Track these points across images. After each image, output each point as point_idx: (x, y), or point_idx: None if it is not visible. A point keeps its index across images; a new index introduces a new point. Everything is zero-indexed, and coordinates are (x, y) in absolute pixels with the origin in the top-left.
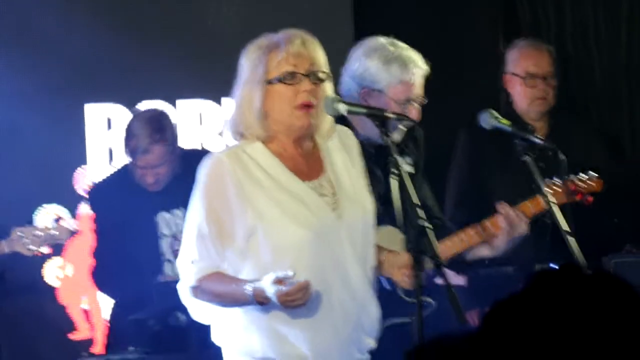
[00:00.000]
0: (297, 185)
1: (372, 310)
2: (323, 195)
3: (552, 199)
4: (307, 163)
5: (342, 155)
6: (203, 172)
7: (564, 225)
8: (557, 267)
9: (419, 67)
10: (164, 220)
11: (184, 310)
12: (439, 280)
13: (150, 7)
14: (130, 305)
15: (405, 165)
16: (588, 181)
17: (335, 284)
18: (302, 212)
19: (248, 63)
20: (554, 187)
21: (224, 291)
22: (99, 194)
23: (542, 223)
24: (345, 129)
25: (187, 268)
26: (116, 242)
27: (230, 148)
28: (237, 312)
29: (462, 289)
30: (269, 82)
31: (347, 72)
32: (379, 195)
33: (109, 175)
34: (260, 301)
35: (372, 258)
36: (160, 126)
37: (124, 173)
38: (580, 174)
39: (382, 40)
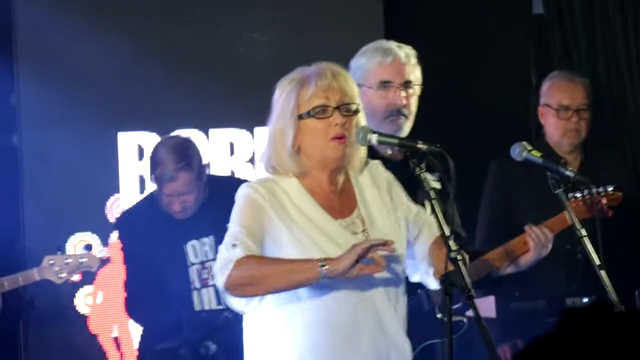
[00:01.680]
0: (329, 223)
1: (405, 349)
2: (354, 233)
3: (583, 232)
4: (339, 200)
5: (372, 190)
6: (240, 198)
7: (595, 258)
8: (588, 303)
9: (397, 52)
10: (192, 248)
11: (214, 339)
12: (469, 313)
13: (183, 35)
14: (160, 334)
15: (434, 183)
16: (608, 195)
17: (366, 323)
18: (335, 252)
19: (280, 98)
20: (574, 202)
21: (278, 266)
22: (127, 222)
23: (573, 256)
24: (376, 162)
25: (229, 251)
26: (145, 271)
27: (265, 179)
28: (268, 338)
29: (492, 321)
30: (300, 117)
31: None
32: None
33: (136, 203)
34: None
35: (403, 295)
36: (186, 153)
37: (150, 201)
38: (600, 188)
39: (391, 43)
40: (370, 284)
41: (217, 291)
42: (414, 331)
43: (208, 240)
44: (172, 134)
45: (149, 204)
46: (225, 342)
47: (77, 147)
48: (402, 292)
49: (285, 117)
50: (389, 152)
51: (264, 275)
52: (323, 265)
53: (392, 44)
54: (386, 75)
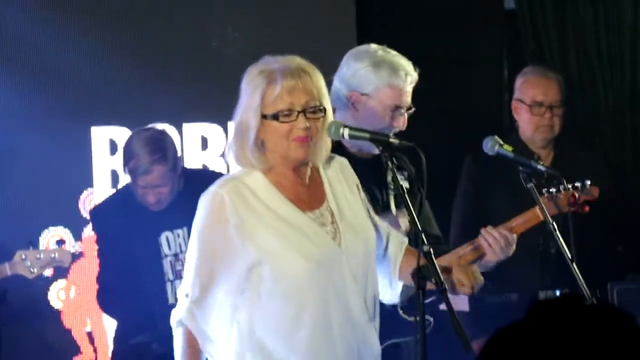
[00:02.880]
0: (297, 216)
1: (373, 343)
2: (323, 225)
3: (555, 226)
4: (307, 192)
5: (343, 186)
6: (202, 208)
7: (567, 252)
8: (559, 296)
9: (409, 73)
10: (166, 240)
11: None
12: (442, 306)
13: (155, 30)
14: (134, 328)
15: (403, 182)
16: (584, 190)
17: (336, 315)
18: (304, 244)
19: (247, 90)
20: (550, 197)
21: None
22: (101, 214)
23: (546, 250)
24: (345, 161)
25: (181, 300)
26: (119, 263)
27: (228, 180)
28: (233, 343)
29: (465, 314)
30: (265, 117)
31: (337, 77)
32: (376, 211)
33: (110, 195)
34: None
35: (373, 287)
36: (160, 145)
37: (124, 193)
38: (577, 183)
39: (373, 45)
40: (342, 277)
41: None
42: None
43: (182, 232)
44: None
45: (123, 195)
46: None
47: (49, 141)
48: (373, 284)
49: (250, 113)
50: (356, 150)
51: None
52: None
53: (399, 60)
54: (397, 101)
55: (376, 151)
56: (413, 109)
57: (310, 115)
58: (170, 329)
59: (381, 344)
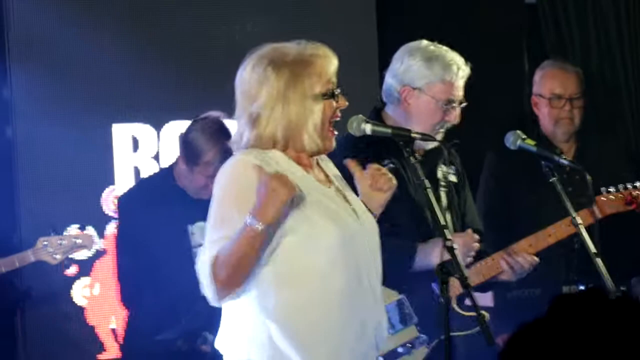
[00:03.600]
0: (323, 188)
1: (383, 318)
2: (342, 201)
3: (580, 220)
4: (318, 172)
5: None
6: (229, 174)
7: (592, 247)
8: (581, 291)
9: (461, 68)
10: (199, 229)
11: (212, 330)
12: (467, 302)
13: (178, 27)
14: (159, 323)
15: (452, 177)
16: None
17: (360, 286)
18: (337, 212)
19: (277, 77)
20: (610, 196)
21: (235, 243)
22: (128, 201)
23: (570, 245)
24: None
25: (205, 249)
26: (144, 254)
27: (251, 151)
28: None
29: (490, 310)
30: (313, 98)
31: (389, 72)
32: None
33: (138, 183)
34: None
35: (381, 270)
36: (216, 132)
37: (165, 176)
38: (637, 184)
39: (425, 41)
40: (364, 251)
41: None
42: (429, 324)
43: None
44: (168, 126)
45: (163, 178)
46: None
47: (71, 139)
48: (380, 264)
49: (304, 96)
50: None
51: (236, 262)
52: (257, 225)
53: (451, 55)
54: (449, 95)
55: (429, 146)
56: (465, 104)
57: (342, 101)
58: (194, 326)
59: (435, 338)
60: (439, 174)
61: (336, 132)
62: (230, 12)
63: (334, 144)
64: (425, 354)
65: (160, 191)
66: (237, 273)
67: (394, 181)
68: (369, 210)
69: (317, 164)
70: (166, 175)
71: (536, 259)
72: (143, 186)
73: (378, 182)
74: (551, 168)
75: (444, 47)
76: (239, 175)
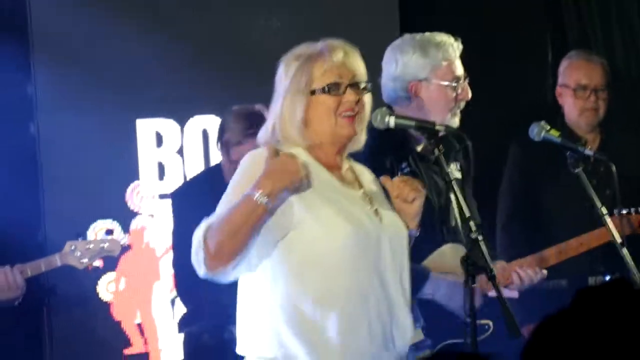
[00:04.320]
0: (342, 188)
1: (406, 324)
2: (364, 202)
3: (605, 211)
4: (345, 172)
5: (371, 182)
6: (248, 162)
7: (617, 237)
8: (607, 281)
9: (453, 44)
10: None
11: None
12: (491, 293)
13: (200, 22)
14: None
15: (456, 172)
16: None
17: (373, 288)
18: (351, 211)
19: (289, 72)
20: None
21: (230, 212)
22: (181, 196)
23: None
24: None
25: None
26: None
27: (273, 145)
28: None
29: (515, 301)
30: (313, 92)
31: (385, 77)
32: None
33: (191, 178)
34: (262, 191)
35: (407, 275)
36: (254, 122)
37: (212, 173)
38: None
39: (406, 35)
40: (381, 252)
41: None
42: (435, 329)
43: None
44: (193, 121)
45: (212, 174)
46: None
47: (95, 134)
48: (407, 270)
49: (296, 91)
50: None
51: (226, 235)
52: (256, 195)
53: (440, 37)
54: (455, 72)
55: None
56: (468, 77)
57: (357, 91)
58: (219, 321)
59: (439, 343)
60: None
61: (359, 126)
62: (255, 7)
63: (347, 131)
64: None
65: (210, 186)
66: (226, 242)
67: (421, 190)
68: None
69: (350, 167)
70: (215, 171)
71: (545, 272)
72: (194, 182)
73: (402, 192)
74: (576, 159)
75: (427, 33)
76: (252, 164)
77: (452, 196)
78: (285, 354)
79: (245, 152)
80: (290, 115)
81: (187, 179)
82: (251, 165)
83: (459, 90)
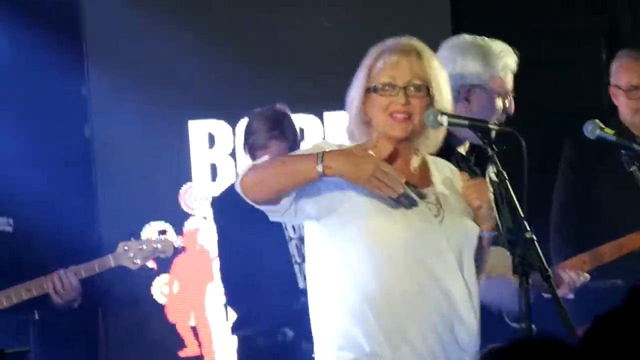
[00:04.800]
0: (400, 189)
1: (470, 324)
2: (427, 202)
3: None
4: (412, 170)
5: (450, 187)
6: (321, 142)
7: None
8: None
9: (512, 57)
10: (291, 224)
11: (291, 325)
12: (546, 294)
13: (252, 23)
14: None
15: (492, 175)
16: None
17: (430, 287)
18: (403, 211)
19: (361, 67)
20: None
21: (283, 160)
22: (220, 204)
23: None
24: (455, 169)
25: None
26: (242, 253)
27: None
28: (334, 304)
29: (570, 301)
30: (368, 90)
31: None
32: None
33: (230, 185)
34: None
35: (474, 274)
36: (279, 122)
37: None
38: None
39: (468, 37)
40: (439, 251)
41: None
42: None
43: None
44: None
45: None
46: (302, 327)
47: (148, 136)
48: (473, 270)
49: (357, 87)
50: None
51: (270, 174)
52: (319, 162)
53: (500, 46)
54: (505, 86)
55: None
56: (514, 94)
57: (411, 93)
58: (273, 323)
59: (483, 348)
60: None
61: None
62: (305, 6)
63: (397, 132)
64: None
65: None
66: (260, 182)
67: (486, 197)
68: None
69: (424, 164)
70: None
71: (587, 276)
72: (233, 189)
73: (468, 197)
74: (631, 157)
75: (490, 40)
76: (313, 146)
77: (510, 194)
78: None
79: (270, 155)
80: (351, 111)
81: (222, 190)
82: (312, 145)
83: (507, 104)
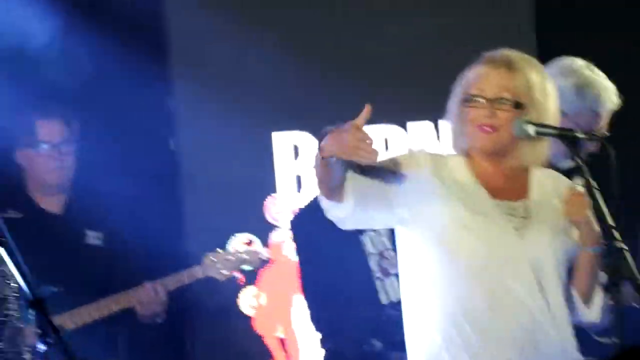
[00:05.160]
0: (484, 200)
1: (553, 339)
2: (511, 215)
3: None
4: (505, 183)
5: (552, 200)
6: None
7: None
8: None
9: (612, 100)
10: (370, 239)
11: (379, 336)
12: (636, 304)
13: (336, 34)
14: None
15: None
16: None
17: (509, 302)
18: (481, 227)
19: (459, 78)
20: None
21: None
22: (300, 221)
23: None
24: (567, 181)
25: None
26: (323, 271)
27: (436, 154)
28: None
29: None
30: (461, 102)
31: None
32: None
33: (309, 201)
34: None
35: (558, 289)
36: None
37: None
38: None
39: (579, 62)
40: (518, 266)
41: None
42: None
43: (384, 231)
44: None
45: None
46: (390, 339)
47: (233, 148)
48: (557, 286)
49: (453, 99)
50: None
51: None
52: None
53: (605, 84)
54: (595, 126)
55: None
56: (607, 134)
57: (499, 107)
58: (360, 334)
59: None
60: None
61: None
62: (387, 16)
63: (481, 143)
64: None
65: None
66: (317, 182)
67: (582, 209)
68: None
69: (525, 176)
70: None
71: None
72: (312, 204)
73: (568, 212)
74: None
75: (599, 72)
76: (405, 153)
77: (599, 204)
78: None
79: None
80: (450, 122)
81: (301, 207)
82: (408, 153)
83: (591, 146)
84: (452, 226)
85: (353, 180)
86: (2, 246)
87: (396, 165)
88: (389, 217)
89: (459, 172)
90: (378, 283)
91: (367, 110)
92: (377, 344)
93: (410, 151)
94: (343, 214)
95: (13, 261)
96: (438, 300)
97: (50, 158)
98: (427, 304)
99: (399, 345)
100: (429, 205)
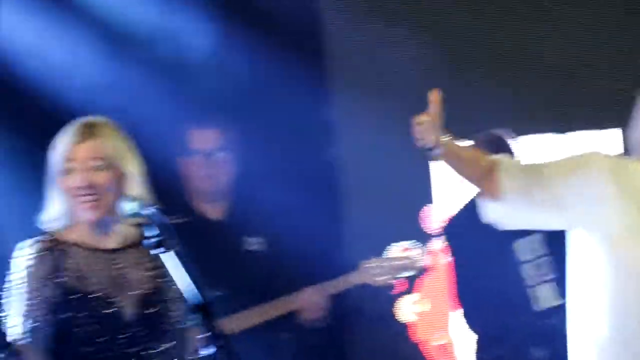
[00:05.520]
0: None
1: None
2: None
3: None
4: None
5: None
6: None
7: None
8: None
9: None
10: (523, 244)
11: (539, 344)
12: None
13: (482, 43)
14: (493, 339)
15: None
16: None
17: None
18: None
19: None
20: None
21: None
22: (452, 229)
23: None
24: None
25: None
26: (476, 275)
27: (619, 157)
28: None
29: None
30: None
31: None
32: None
33: (461, 208)
34: None
35: None
36: (492, 150)
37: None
38: None
39: None
40: None
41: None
42: None
43: (536, 238)
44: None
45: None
46: (552, 346)
47: (389, 158)
48: None
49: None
50: None
51: None
52: None
53: None
54: None
55: None
56: None
57: None
58: (521, 341)
59: None
60: None
61: None
62: (538, 23)
63: None
64: None
65: (477, 216)
66: None
67: None
68: None
69: None
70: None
71: None
72: (464, 211)
73: None
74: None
75: None
76: (582, 154)
77: None
78: None
79: None
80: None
81: (458, 210)
82: (581, 155)
83: None
84: (626, 232)
85: (512, 177)
86: (173, 249)
87: (567, 167)
88: (554, 217)
89: (639, 178)
90: (532, 290)
91: (435, 96)
92: (539, 353)
93: (586, 153)
94: (501, 212)
95: (183, 265)
96: (608, 306)
97: (201, 166)
98: (596, 309)
99: (562, 353)
100: (602, 208)
